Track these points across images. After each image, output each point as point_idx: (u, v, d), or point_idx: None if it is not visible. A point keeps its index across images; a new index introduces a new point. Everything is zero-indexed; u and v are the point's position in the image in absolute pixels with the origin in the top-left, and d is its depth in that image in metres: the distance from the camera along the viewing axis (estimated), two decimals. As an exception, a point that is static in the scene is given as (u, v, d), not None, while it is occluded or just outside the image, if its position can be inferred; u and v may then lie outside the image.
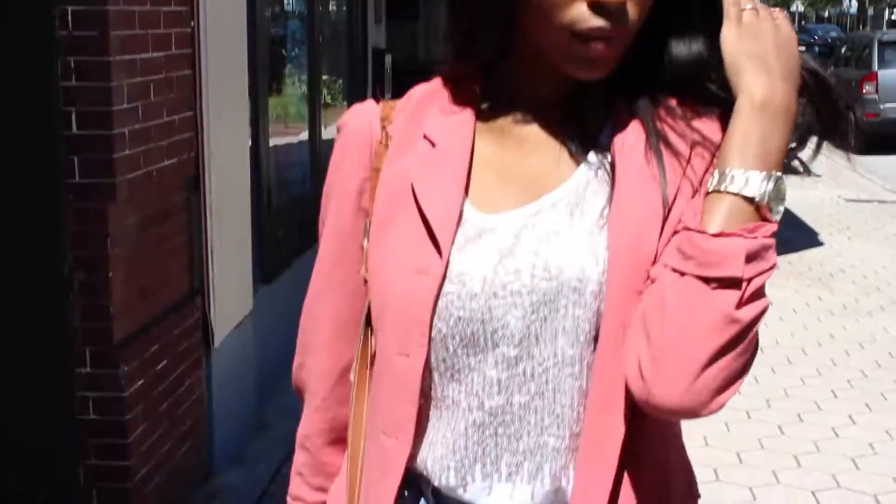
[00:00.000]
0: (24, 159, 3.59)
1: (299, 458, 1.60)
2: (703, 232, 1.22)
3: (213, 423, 4.64)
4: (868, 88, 17.46)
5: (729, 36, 1.30)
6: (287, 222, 5.86)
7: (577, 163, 1.36)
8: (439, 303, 1.32)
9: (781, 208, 1.25)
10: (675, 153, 1.32)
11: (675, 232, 1.28)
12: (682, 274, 1.22)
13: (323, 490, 1.58)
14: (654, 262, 1.28)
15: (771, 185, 1.24)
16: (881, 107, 17.21)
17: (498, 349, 1.33)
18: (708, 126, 1.34)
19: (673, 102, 1.36)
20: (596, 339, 1.31)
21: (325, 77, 7.21)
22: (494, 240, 1.34)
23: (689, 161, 1.32)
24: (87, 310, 3.65)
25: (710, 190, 1.26)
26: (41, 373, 3.72)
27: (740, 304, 1.21)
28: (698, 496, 1.48)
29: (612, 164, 1.34)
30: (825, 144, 1.37)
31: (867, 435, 5.49)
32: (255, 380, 5.15)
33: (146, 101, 3.86)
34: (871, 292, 8.49)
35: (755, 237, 1.21)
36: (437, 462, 1.38)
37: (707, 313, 1.21)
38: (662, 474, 1.38)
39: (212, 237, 4.45)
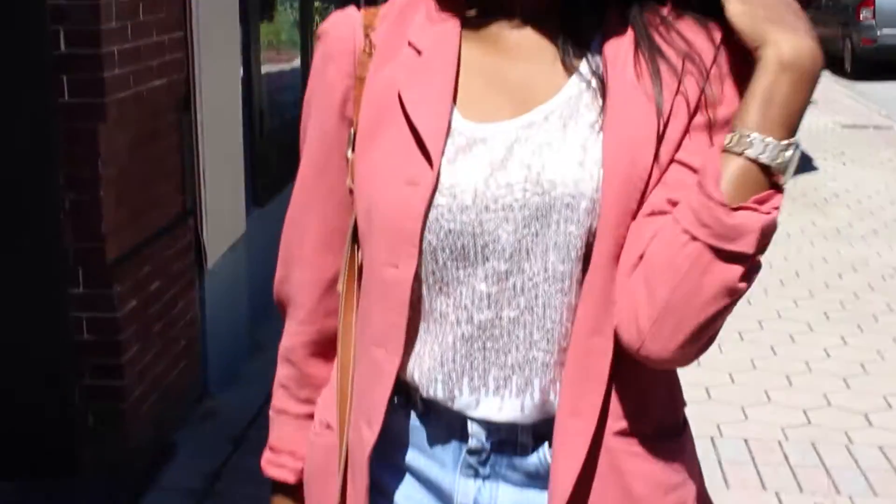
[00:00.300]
0: (11, 79, 3.56)
1: (283, 372, 1.58)
2: (723, 205, 1.20)
3: (208, 344, 4.67)
4: (865, 14, 17.34)
5: (736, 8, 1.26)
6: (279, 147, 5.84)
7: (569, 73, 1.33)
8: (430, 215, 1.30)
9: (790, 176, 1.24)
10: (669, 65, 1.29)
11: (672, 160, 1.28)
12: (694, 238, 1.22)
13: (309, 402, 1.56)
14: (648, 181, 1.27)
15: (789, 154, 1.22)
16: (878, 33, 17.09)
17: (488, 263, 1.32)
18: (699, 37, 1.31)
19: (664, 10, 1.33)
20: (586, 256, 1.30)
21: (316, 4, 7.15)
22: (486, 152, 1.31)
23: (681, 77, 1.29)
24: (79, 230, 3.65)
25: (726, 148, 1.23)
26: (35, 293, 3.73)
27: (744, 278, 1.22)
28: (684, 404, 1.48)
29: (604, 77, 1.31)
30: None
31: (858, 355, 5.52)
32: (248, 302, 5.16)
33: (135, 19, 3.83)
34: (865, 217, 8.50)
35: (769, 213, 1.21)
36: (424, 375, 1.38)
37: (713, 283, 1.22)
38: (644, 387, 1.37)
39: (204, 159, 4.43)
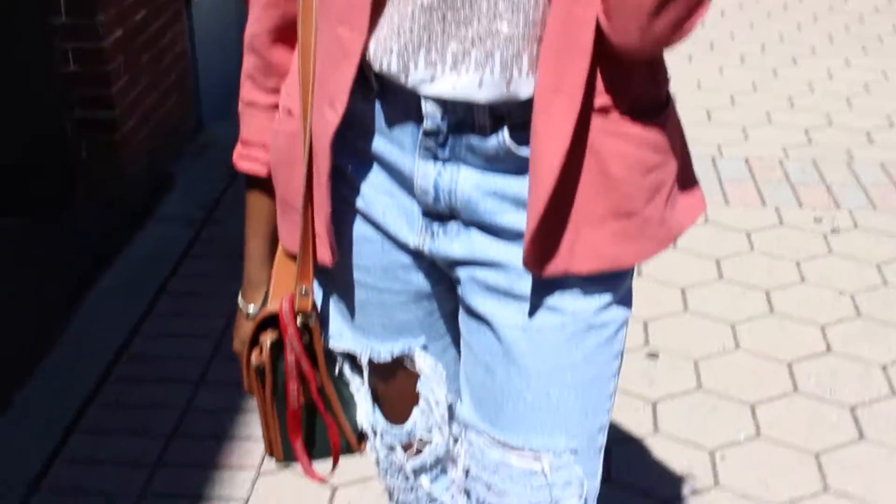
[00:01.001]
0: None
1: (249, 62, 1.52)
2: None
3: (200, 77, 4.58)
4: None
5: None
6: None
7: None
8: None
9: None
10: None
11: None
12: None
13: (277, 91, 1.51)
14: None
15: None
16: None
17: None
18: None
19: None
20: None
21: None
22: None
23: None
24: (57, -46, 3.52)
25: None
26: (17, 24, 3.62)
27: None
28: (667, 80, 1.43)
29: None
30: None
31: (862, 76, 5.44)
32: (239, 35, 5.02)
33: None
34: (873, -60, 8.25)
35: None
36: (379, 45, 1.32)
37: None
38: (625, 61, 1.31)
39: None
